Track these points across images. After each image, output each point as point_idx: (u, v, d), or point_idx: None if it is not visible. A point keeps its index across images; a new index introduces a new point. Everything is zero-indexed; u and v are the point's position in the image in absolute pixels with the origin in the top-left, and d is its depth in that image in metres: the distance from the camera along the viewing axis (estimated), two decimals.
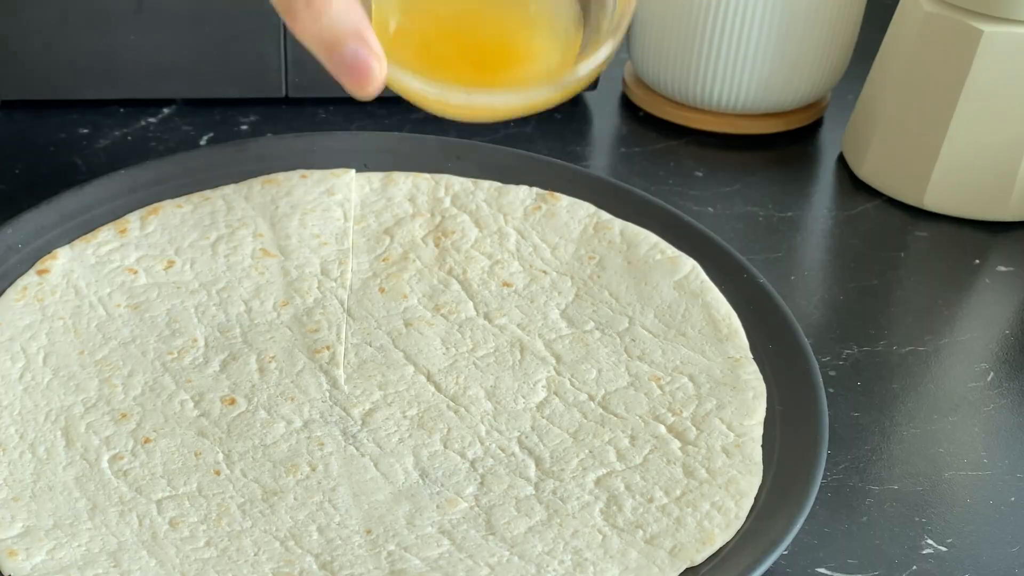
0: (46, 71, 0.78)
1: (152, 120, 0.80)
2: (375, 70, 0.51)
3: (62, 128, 0.79)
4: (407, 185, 0.70)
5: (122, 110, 0.81)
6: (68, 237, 0.64)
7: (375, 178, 0.70)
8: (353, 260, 0.65)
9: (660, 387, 0.57)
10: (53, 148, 0.77)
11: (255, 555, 0.48)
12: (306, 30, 0.51)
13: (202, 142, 0.79)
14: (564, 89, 0.57)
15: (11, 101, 0.80)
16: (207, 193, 0.68)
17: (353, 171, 0.70)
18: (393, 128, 0.81)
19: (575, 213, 0.68)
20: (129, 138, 0.78)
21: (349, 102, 0.83)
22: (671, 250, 0.65)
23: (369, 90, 0.52)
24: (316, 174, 0.70)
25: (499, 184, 0.70)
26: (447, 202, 0.69)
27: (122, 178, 0.67)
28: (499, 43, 0.58)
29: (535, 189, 0.70)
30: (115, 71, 0.78)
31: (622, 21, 0.56)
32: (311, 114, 0.82)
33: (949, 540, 0.53)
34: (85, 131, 0.79)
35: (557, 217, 0.68)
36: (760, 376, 0.58)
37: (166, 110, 0.81)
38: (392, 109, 0.83)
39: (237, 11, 0.77)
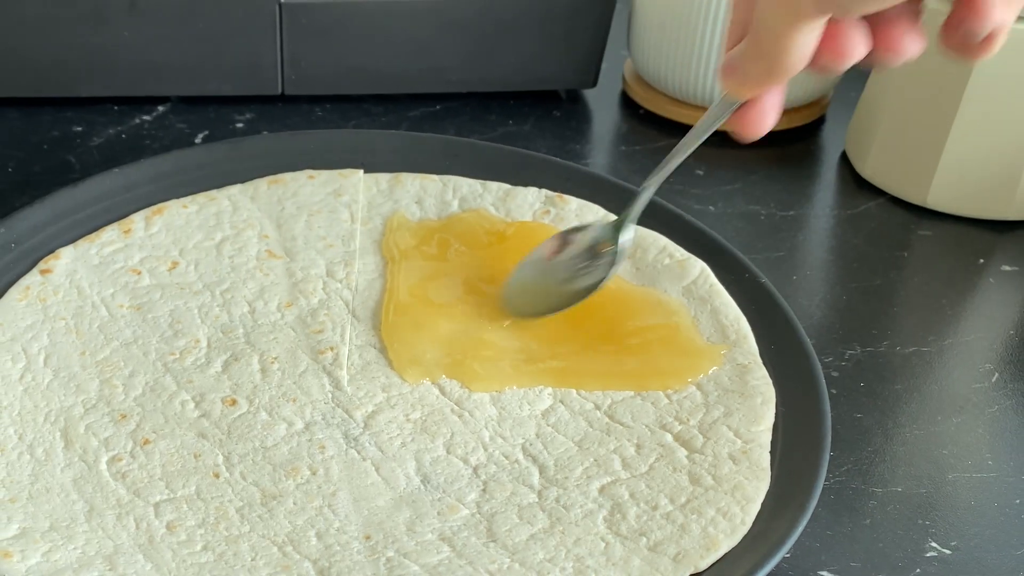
0: (39, 69, 0.78)
1: (146, 118, 0.81)
2: None
3: (55, 126, 0.79)
4: (415, 187, 0.70)
5: (116, 108, 0.81)
6: (62, 236, 0.64)
7: (382, 179, 0.70)
8: (359, 261, 0.65)
9: (667, 396, 0.58)
10: (47, 146, 0.77)
11: (252, 560, 0.49)
12: None
13: (197, 140, 0.79)
14: None
15: (4, 99, 0.80)
16: (213, 193, 0.68)
17: (361, 172, 0.70)
18: (390, 125, 0.81)
19: (584, 217, 0.68)
20: (123, 136, 0.78)
21: (346, 100, 0.83)
22: (680, 253, 0.65)
23: None
24: (323, 175, 0.70)
25: (507, 186, 0.70)
26: (455, 205, 0.69)
27: (116, 176, 0.67)
28: None
29: (544, 191, 0.69)
30: (109, 68, 0.79)
31: None
32: (307, 112, 0.82)
33: (953, 543, 0.54)
34: (79, 129, 0.79)
35: (566, 222, 0.67)
36: (769, 381, 0.58)
37: (160, 108, 0.82)
38: (388, 107, 0.83)
39: (232, 7, 0.77)
